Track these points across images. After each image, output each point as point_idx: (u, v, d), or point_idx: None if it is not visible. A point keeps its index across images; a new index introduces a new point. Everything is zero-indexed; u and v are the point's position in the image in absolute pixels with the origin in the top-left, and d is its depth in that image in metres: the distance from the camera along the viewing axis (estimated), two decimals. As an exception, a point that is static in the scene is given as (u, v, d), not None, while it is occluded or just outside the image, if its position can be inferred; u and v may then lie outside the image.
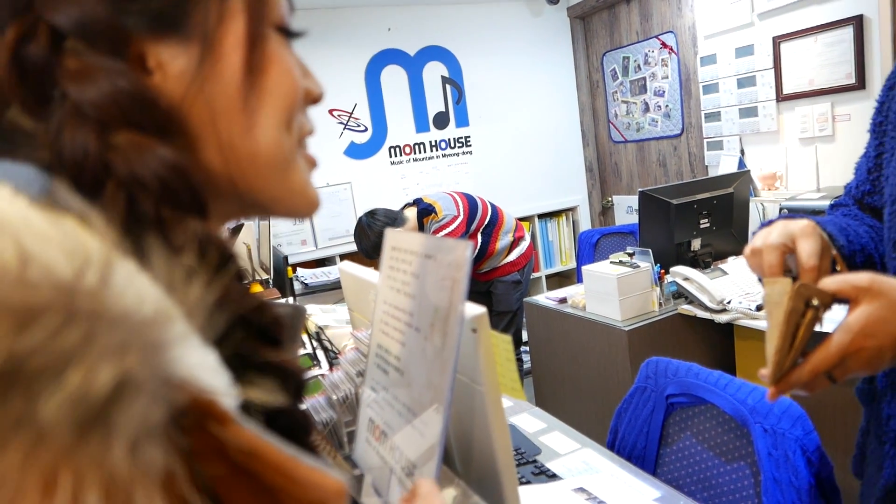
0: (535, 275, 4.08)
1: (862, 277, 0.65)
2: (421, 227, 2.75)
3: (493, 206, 2.97)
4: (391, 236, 0.72)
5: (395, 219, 2.69)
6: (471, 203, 2.87)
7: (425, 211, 2.78)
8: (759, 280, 0.75)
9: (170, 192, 0.29)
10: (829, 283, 0.66)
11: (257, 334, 0.31)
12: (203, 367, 0.24)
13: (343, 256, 3.53)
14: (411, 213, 2.77)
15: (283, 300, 2.37)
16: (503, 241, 2.93)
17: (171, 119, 0.31)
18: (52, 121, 0.29)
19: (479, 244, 2.88)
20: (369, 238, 2.64)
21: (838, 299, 0.67)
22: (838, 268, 0.74)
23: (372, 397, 0.72)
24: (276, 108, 0.37)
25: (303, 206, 0.41)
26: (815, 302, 0.65)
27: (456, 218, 2.78)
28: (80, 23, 0.29)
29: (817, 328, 0.68)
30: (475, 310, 0.64)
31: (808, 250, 0.69)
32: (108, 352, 0.19)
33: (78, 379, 0.18)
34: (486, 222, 2.89)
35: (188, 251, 0.29)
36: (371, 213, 2.69)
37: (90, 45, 0.29)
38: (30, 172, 0.31)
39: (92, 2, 0.29)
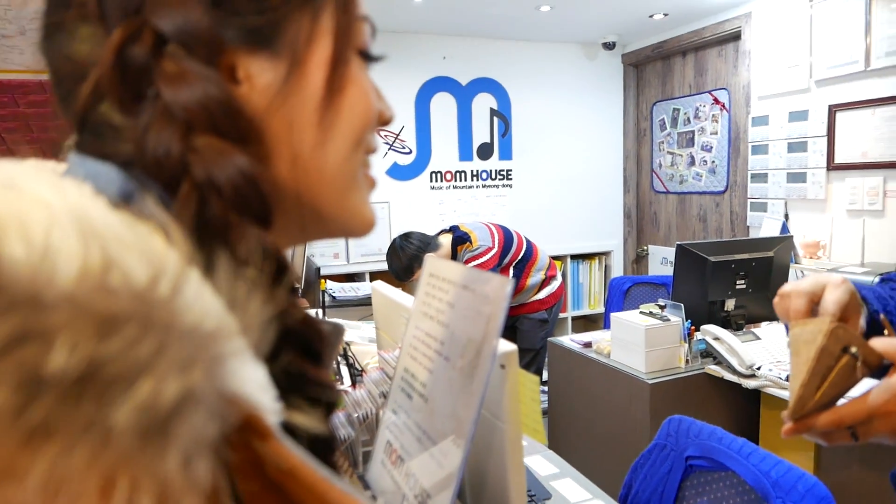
0: (562, 315, 4.05)
1: None
2: (454, 255, 2.76)
3: (528, 241, 2.97)
4: (431, 263, 0.73)
5: (428, 244, 2.70)
6: (506, 236, 2.87)
7: (460, 239, 2.78)
8: (786, 326, 0.74)
9: (241, 199, 0.30)
10: (878, 343, 0.66)
11: (302, 349, 0.32)
12: (253, 383, 0.24)
13: (373, 274, 3.55)
14: (446, 240, 2.78)
15: (312, 311, 2.39)
16: (535, 277, 2.92)
17: (252, 129, 0.33)
18: (141, 118, 0.30)
19: (510, 278, 2.87)
20: (400, 260, 2.65)
21: (884, 364, 0.65)
22: (885, 332, 0.73)
23: (392, 420, 0.72)
24: (350, 127, 0.38)
25: (360, 226, 0.42)
26: (854, 350, 0.64)
27: (490, 249, 2.78)
28: (183, 30, 0.31)
29: (854, 387, 0.66)
30: (506, 346, 0.64)
31: (833, 298, 0.69)
32: (176, 365, 0.19)
33: (148, 389, 0.18)
34: (519, 257, 2.88)
35: (249, 261, 0.30)
36: (405, 236, 2.71)
37: (188, 51, 0.31)
38: (110, 172, 0.32)
39: (197, 12, 0.31)
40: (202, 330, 0.21)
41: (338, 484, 0.26)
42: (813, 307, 0.71)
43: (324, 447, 0.34)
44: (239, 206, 0.30)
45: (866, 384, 0.67)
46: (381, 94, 0.42)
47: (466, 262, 2.72)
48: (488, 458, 0.71)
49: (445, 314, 0.66)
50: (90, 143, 0.34)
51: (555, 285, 2.96)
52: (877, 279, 0.90)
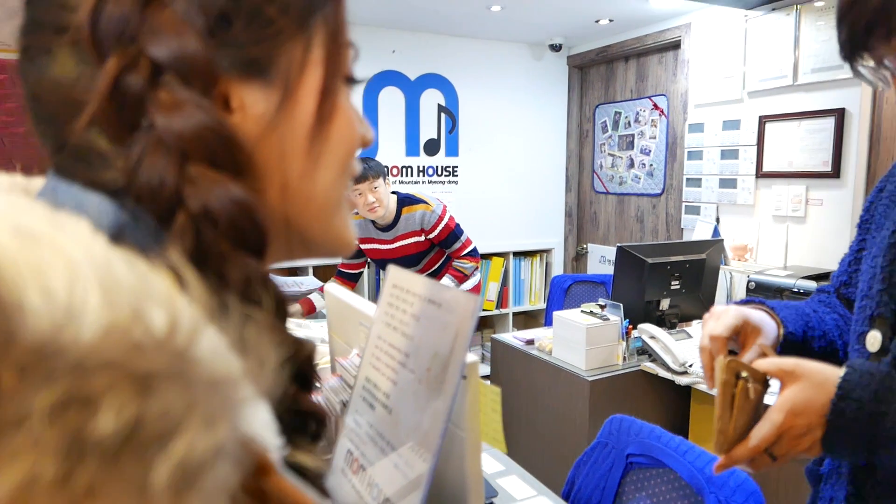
0: (503, 310, 4.12)
1: (788, 361, 0.73)
2: (398, 217, 2.68)
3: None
4: (394, 273, 0.74)
5: (384, 174, 2.61)
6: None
7: (408, 199, 2.70)
8: None
9: (237, 229, 0.30)
10: (761, 363, 0.74)
11: (300, 381, 0.33)
12: (260, 423, 0.25)
13: (317, 268, 3.51)
14: (392, 199, 2.69)
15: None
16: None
17: (245, 159, 0.33)
18: (134, 148, 0.30)
19: (441, 261, 2.87)
20: (369, 164, 2.55)
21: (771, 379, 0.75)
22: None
23: (353, 429, 0.73)
24: (337, 155, 0.39)
25: (343, 247, 0.43)
26: (744, 374, 0.73)
27: (446, 208, 2.76)
28: (179, 59, 0.30)
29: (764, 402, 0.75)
30: (468, 358, 0.66)
31: (711, 328, 0.82)
32: (206, 419, 0.20)
33: (183, 447, 0.19)
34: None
35: (251, 295, 0.30)
36: (367, 159, 2.61)
37: (184, 80, 0.31)
38: (101, 203, 0.31)
39: (193, 41, 0.31)
40: (221, 379, 0.22)
41: None
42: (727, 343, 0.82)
43: (316, 473, 0.35)
44: (235, 236, 0.31)
45: None
46: (361, 118, 0.43)
47: (433, 226, 2.68)
48: (447, 465, 0.73)
49: (410, 326, 0.67)
50: (72, 168, 0.33)
51: (473, 281, 2.89)
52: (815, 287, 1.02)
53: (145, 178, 0.30)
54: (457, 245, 2.77)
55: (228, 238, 0.31)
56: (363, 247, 2.82)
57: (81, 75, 0.32)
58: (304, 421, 0.34)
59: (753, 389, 0.72)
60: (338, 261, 3.51)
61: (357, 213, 2.73)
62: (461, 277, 2.74)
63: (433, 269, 2.87)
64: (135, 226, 0.30)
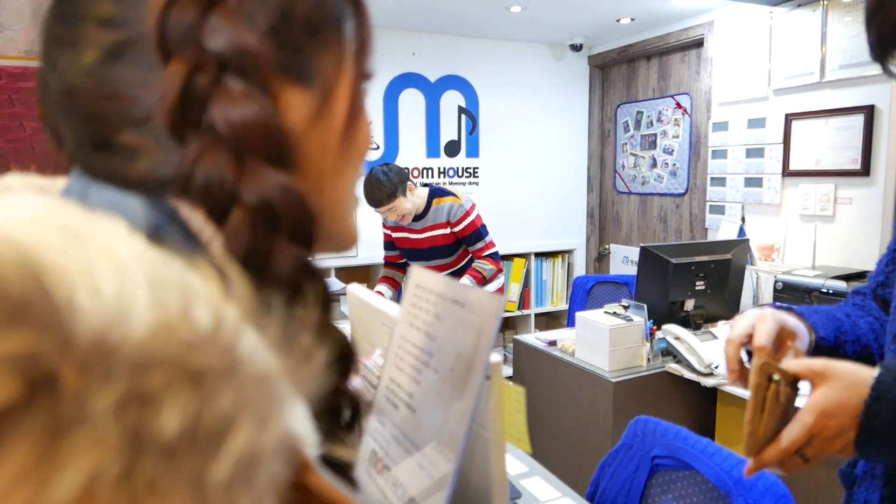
0: (524, 311, 4.10)
1: (818, 362, 0.71)
2: (428, 206, 2.70)
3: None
4: (417, 274, 0.74)
5: (407, 176, 2.62)
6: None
7: (439, 192, 2.73)
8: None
9: (293, 221, 0.32)
10: (791, 364, 0.73)
11: (338, 366, 0.33)
12: (300, 419, 0.25)
13: (339, 270, 3.53)
14: (424, 191, 2.73)
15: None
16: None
17: (295, 155, 0.34)
18: (193, 145, 0.31)
19: (466, 260, 2.86)
20: (386, 185, 2.54)
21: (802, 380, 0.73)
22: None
23: (378, 430, 0.73)
24: (359, 154, 0.41)
25: (346, 243, 0.44)
26: (776, 377, 0.71)
27: (475, 206, 2.76)
28: (241, 55, 0.31)
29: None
30: (492, 358, 0.66)
31: (761, 332, 0.78)
32: (258, 415, 0.20)
33: (241, 443, 0.19)
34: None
35: (300, 288, 0.31)
36: (386, 165, 2.62)
37: (244, 77, 0.32)
38: (134, 203, 0.32)
39: (254, 41, 0.32)
40: (267, 376, 0.22)
41: None
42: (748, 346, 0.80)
43: (345, 465, 0.35)
44: (290, 229, 0.32)
45: None
46: None
47: (460, 220, 2.69)
48: (471, 465, 0.73)
49: (433, 326, 0.67)
50: (105, 165, 0.34)
51: (497, 284, 2.90)
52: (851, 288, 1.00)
53: (204, 174, 0.30)
54: (479, 245, 2.76)
55: (284, 230, 0.32)
56: (395, 235, 2.83)
57: (123, 70, 0.32)
58: (339, 408, 0.34)
59: (783, 392, 0.71)
60: (350, 262, 3.53)
61: None
62: (480, 279, 2.73)
63: (459, 266, 2.86)
64: (169, 225, 0.31)
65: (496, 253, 2.80)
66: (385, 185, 2.55)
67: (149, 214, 0.31)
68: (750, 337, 0.79)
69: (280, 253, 0.31)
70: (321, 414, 0.30)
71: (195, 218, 0.33)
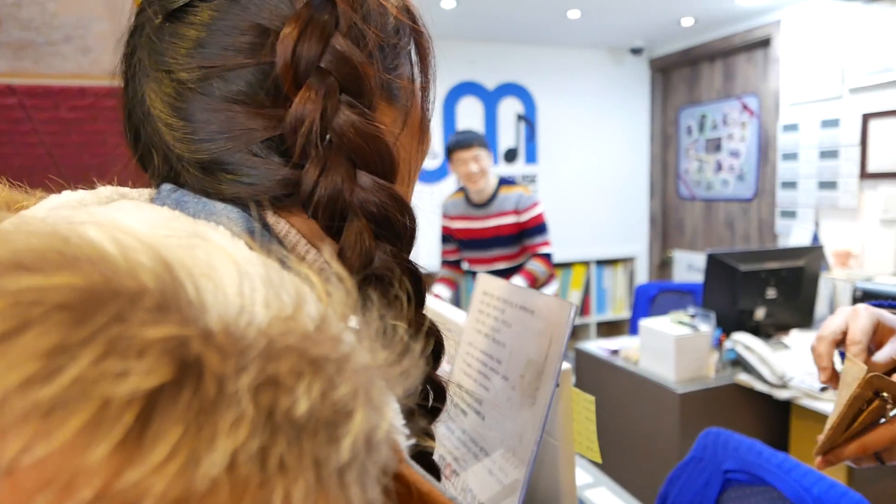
0: (584, 320, 4.04)
1: None
2: (495, 195, 2.70)
3: None
4: (484, 280, 0.75)
5: (487, 146, 2.65)
6: None
7: (508, 181, 2.74)
8: (841, 354, 0.78)
9: (400, 227, 0.35)
10: None
11: (431, 355, 0.35)
12: (393, 410, 0.26)
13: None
14: (494, 178, 2.74)
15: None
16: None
17: (396, 168, 0.37)
18: (314, 161, 0.34)
19: (524, 257, 2.80)
20: (475, 133, 2.61)
21: None
22: None
23: (446, 435, 0.74)
24: (422, 163, 0.45)
25: None
26: (885, 395, 0.67)
27: (541, 203, 2.74)
28: (355, 77, 0.35)
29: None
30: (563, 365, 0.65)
31: (856, 328, 0.73)
32: (372, 403, 0.21)
33: (358, 427, 0.20)
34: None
35: (399, 283, 0.33)
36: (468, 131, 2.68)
37: (358, 97, 0.35)
38: (231, 211, 0.34)
39: (364, 65, 0.36)
40: (372, 366, 0.23)
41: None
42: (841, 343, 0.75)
43: (425, 452, 0.36)
44: (396, 234, 0.35)
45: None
46: None
47: (528, 208, 2.67)
48: (539, 473, 0.72)
49: (502, 333, 0.67)
50: (204, 181, 0.36)
51: (550, 290, 2.88)
52: None
53: (326, 185, 0.34)
54: (538, 239, 2.72)
55: (390, 233, 0.35)
56: (454, 226, 2.81)
57: (240, 97, 0.35)
58: (427, 397, 0.35)
59: (890, 408, 0.67)
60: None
61: (456, 192, 2.78)
62: (532, 279, 2.66)
63: (519, 262, 2.79)
64: (264, 231, 0.33)
65: (551, 255, 2.76)
66: (477, 133, 2.60)
67: (246, 222, 0.33)
68: (844, 335, 0.75)
69: (384, 254, 0.34)
70: (409, 403, 0.31)
71: (281, 224, 0.36)
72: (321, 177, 0.34)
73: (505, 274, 2.72)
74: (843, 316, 0.76)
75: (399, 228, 0.35)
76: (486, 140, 2.61)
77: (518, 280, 2.66)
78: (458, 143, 2.59)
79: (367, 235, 0.34)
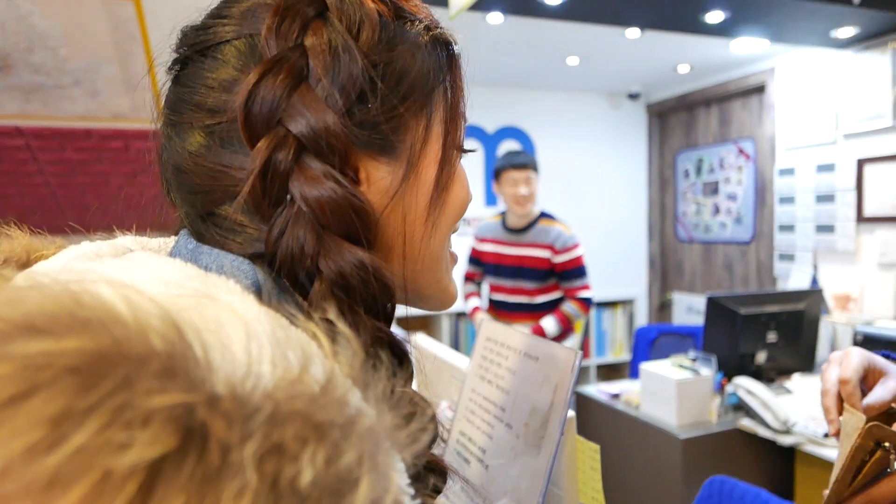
0: (585, 362, 4.01)
1: None
2: (532, 224, 2.58)
3: None
4: (487, 327, 0.75)
5: (538, 171, 2.58)
6: None
7: (549, 215, 2.62)
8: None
9: (369, 296, 0.33)
10: None
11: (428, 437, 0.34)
12: (399, 470, 0.26)
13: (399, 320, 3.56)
14: (536, 208, 2.64)
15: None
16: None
17: (375, 228, 0.35)
18: (277, 220, 0.32)
19: (543, 298, 2.65)
20: (530, 157, 2.56)
21: None
22: None
23: (447, 484, 0.73)
24: (452, 217, 0.41)
25: (446, 302, 0.45)
26: (887, 444, 0.67)
27: (580, 244, 2.60)
28: (321, 136, 0.33)
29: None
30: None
31: (849, 365, 0.75)
32: (378, 468, 0.21)
33: (365, 493, 0.20)
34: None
35: (374, 353, 0.32)
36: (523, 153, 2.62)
37: (323, 157, 0.33)
38: (242, 265, 0.34)
39: (333, 121, 0.33)
40: (377, 430, 0.23)
41: None
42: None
43: None
44: (366, 301, 0.33)
45: None
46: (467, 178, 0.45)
47: (565, 249, 2.52)
48: (543, 524, 0.71)
49: (506, 380, 0.67)
50: (210, 234, 0.36)
51: (577, 339, 2.82)
52: None
53: (287, 247, 0.32)
54: (578, 283, 2.57)
55: (361, 302, 0.33)
56: (482, 248, 2.69)
57: (220, 152, 0.35)
58: (426, 475, 0.34)
59: (891, 460, 0.67)
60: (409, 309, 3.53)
61: (495, 216, 2.69)
62: (566, 323, 2.54)
63: (537, 301, 2.62)
64: (274, 287, 0.33)
65: (590, 299, 2.60)
66: (531, 156, 2.53)
67: (255, 276, 0.33)
68: (853, 384, 0.75)
69: (358, 324, 0.32)
70: (411, 474, 0.31)
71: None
72: (280, 237, 0.32)
73: (519, 311, 2.62)
74: (836, 362, 0.78)
75: (370, 298, 0.33)
76: (538, 164, 2.56)
77: (550, 321, 2.55)
78: (511, 163, 2.50)
79: (332, 299, 0.31)
